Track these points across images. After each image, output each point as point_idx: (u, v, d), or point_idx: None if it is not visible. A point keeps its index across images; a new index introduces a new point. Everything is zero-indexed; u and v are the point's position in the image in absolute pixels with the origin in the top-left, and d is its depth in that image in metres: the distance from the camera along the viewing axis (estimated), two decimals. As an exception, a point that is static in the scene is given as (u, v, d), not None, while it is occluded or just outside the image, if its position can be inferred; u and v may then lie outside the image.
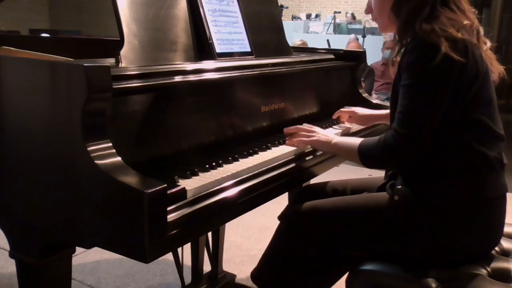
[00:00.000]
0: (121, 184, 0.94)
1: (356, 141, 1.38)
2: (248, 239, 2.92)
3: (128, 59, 1.25)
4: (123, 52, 1.24)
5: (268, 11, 1.89)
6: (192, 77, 1.31)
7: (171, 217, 0.99)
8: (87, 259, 2.55)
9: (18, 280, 1.24)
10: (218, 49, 1.54)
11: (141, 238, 0.93)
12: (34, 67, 1.09)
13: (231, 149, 1.40)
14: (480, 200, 1.28)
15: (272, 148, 1.47)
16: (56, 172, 1.06)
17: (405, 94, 1.25)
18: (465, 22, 1.26)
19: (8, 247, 1.23)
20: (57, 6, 11.91)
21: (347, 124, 1.83)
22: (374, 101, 2.15)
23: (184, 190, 1.06)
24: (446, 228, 1.28)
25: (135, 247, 0.95)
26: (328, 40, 6.75)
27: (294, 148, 1.49)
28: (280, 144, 1.51)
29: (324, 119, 1.86)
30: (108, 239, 1.01)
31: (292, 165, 1.43)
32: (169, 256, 1.59)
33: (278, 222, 1.57)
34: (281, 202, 1.71)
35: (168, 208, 1.00)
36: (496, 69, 1.35)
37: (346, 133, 1.76)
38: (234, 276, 2.20)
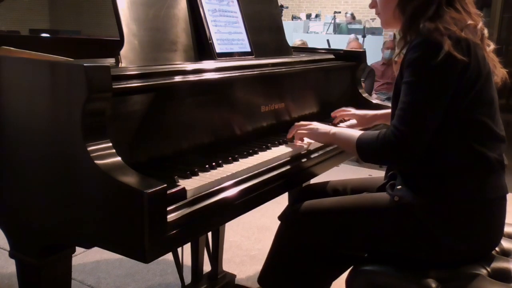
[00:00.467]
0: (121, 184, 0.94)
1: (356, 133, 1.38)
2: (248, 239, 2.92)
3: (128, 59, 1.25)
4: (123, 52, 1.24)
5: (268, 11, 1.89)
6: (192, 77, 1.31)
7: (171, 217, 0.99)
8: (87, 259, 2.54)
9: (18, 280, 1.24)
10: (218, 49, 1.54)
11: (141, 238, 0.93)
12: (34, 67, 1.09)
13: (231, 149, 1.40)
14: (480, 201, 1.28)
15: (272, 148, 1.47)
16: (56, 172, 1.06)
17: (406, 91, 1.25)
18: (469, 22, 1.27)
19: (8, 247, 1.23)
20: (57, 6, 11.91)
21: (348, 122, 1.83)
22: (374, 101, 2.15)
23: (184, 190, 1.06)
24: (446, 228, 1.28)
25: (135, 247, 0.95)
26: (328, 40, 6.75)
27: (294, 148, 1.49)
28: (280, 144, 1.52)
29: (324, 119, 1.86)
30: (108, 239, 1.01)
31: (292, 165, 1.43)
32: (169, 256, 1.59)
33: (278, 222, 1.57)
34: (281, 202, 1.71)
35: (168, 208, 1.00)
36: (499, 72, 1.35)
37: (351, 126, 1.76)
38: (234, 276, 2.20)
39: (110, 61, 1.23)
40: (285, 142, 1.53)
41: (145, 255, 0.94)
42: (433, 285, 1.24)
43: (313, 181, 1.73)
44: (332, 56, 2.11)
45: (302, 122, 1.55)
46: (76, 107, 0.99)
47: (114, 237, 0.99)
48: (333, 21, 9.05)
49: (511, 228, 1.51)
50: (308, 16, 10.24)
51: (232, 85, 1.47)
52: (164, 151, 1.24)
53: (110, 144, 1.02)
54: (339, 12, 9.36)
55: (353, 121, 1.82)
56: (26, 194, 1.14)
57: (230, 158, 1.31)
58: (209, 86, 1.39)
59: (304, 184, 1.79)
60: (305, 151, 1.52)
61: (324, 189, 1.69)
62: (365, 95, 2.16)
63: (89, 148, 0.98)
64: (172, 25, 1.44)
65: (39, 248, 1.15)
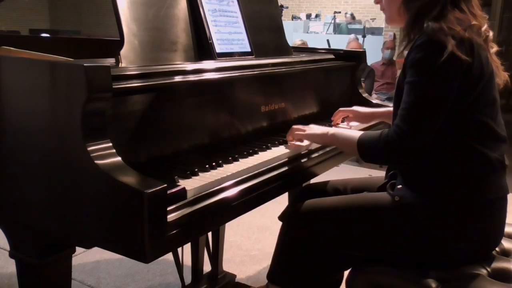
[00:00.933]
0: (121, 184, 0.94)
1: (356, 133, 1.38)
2: (248, 239, 2.92)
3: (128, 59, 1.25)
4: (123, 52, 1.24)
5: (268, 11, 1.89)
6: (192, 77, 1.31)
7: (171, 217, 0.99)
8: (87, 259, 2.54)
9: (18, 280, 1.24)
10: (218, 49, 1.54)
11: (141, 238, 0.93)
12: (34, 67, 1.09)
13: (231, 149, 1.40)
14: (481, 201, 1.28)
15: (272, 148, 1.47)
16: (56, 172, 1.06)
17: (409, 91, 1.25)
18: (473, 22, 1.27)
19: (8, 247, 1.23)
20: (57, 6, 11.91)
21: (346, 124, 1.83)
22: (374, 101, 2.15)
23: (184, 190, 1.06)
24: (446, 228, 1.28)
25: (135, 247, 0.95)
26: (328, 40, 6.76)
27: (294, 148, 1.49)
28: (280, 144, 1.51)
29: (324, 119, 1.86)
30: (108, 239, 1.01)
31: (292, 165, 1.43)
32: (169, 256, 1.59)
33: (278, 222, 1.57)
34: (281, 202, 1.71)
35: (168, 208, 0.99)
36: (502, 76, 1.35)
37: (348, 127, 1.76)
38: (234, 276, 2.20)
39: (110, 61, 1.23)
40: (285, 142, 1.53)
41: (145, 255, 0.94)
42: (433, 285, 1.24)
43: (313, 181, 1.73)
44: (332, 56, 2.11)
45: (299, 126, 1.53)
46: (76, 107, 0.99)
47: (114, 237, 0.99)
48: (333, 21, 9.05)
49: (511, 228, 1.51)
50: (308, 16, 10.24)
51: (232, 85, 1.47)
52: (164, 151, 1.24)
53: (110, 144, 1.02)
54: (339, 12, 9.36)
55: (352, 123, 1.81)
56: (26, 194, 1.14)
57: (230, 158, 1.31)
58: (209, 86, 1.39)
59: (304, 184, 1.79)
60: (306, 151, 1.51)
61: (324, 189, 1.69)
62: (365, 95, 2.16)
63: (89, 148, 0.98)
64: (172, 25, 1.44)
65: (39, 248, 1.15)
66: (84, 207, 1.02)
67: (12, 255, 1.22)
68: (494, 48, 1.34)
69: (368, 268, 1.35)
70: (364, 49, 5.86)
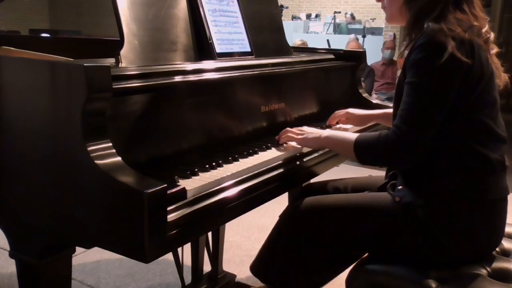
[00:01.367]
0: (121, 184, 0.94)
1: (352, 135, 1.36)
2: (248, 239, 2.91)
3: (128, 59, 1.25)
4: (123, 52, 1.24)
5: (268, 11, 1.89)
6: (192, 77, 1.31)
7: (171, 217, 0.99)
8: (87, 259, 2.54)
9: (18, 280, 1.24)
10: (218, 49, 1.54)
11: (141, 238, 0.93)
12: (34, 67, 1.09)
13: (231, 149, 1.40)
14: (481, 203, 1.28)
15: (272, 148, 1.47)
16: (56, 172, 1.06)
17: (409, 91, 1.25)
18: (474, 23, 1.27)
19: (8, 247, 1.23)
20: (57, 6, 11.91)
21: (341, 126, 1.81)
22: (374, 101, 2.15)
23: (184, 190, 1.06)
24: (447, 229, 1.27)
25: (135, 247, 0.95)
26: (328, 40, 6.76)
27: (295, 147, 1.48)
28: (280, 144, 1.51)
29: (324, 119, 1.86)
30: (108, 239, 1.01)
31: (292, 165, 1.43)
32: (169, 256, 1.59)
33: (278, 221, 1.57)
34: (281, 202, 1.71)
35: (168, 208, 0.99)
36: (502, 77, 1.35)
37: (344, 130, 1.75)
38: (234, 276, 2.20)
39: (110, 61, 1.23)
40: (285, 142, 1.52)
41: (145, 255, 0.94)
42: (433, 285, 1.24)
43: (313, 181, 1.73)
44: (332, 56, 2.11)
45: (292, 130, 1.51)
46: (76, 107, 0.99)
47: (114, 237, 0.99)
48: (333, 21, 9.05)
49: (511, 228, 1.51)
50: (308, 16, 10.24)
51: (232, 85, 1.47)
52: (164, 151, 1.24)
53: (110, 144, 1.02)
54: (339, 12, 9.36)
55: (347, 126, 1.80)
56: (26, 194, 1.14)
57: (230, 158, 1.31)
58: (209, 86, 1.39)
59: (304, 184, 1.79)
60: (306, 151, 1.51)
61: (324, 189, 1.69)
62: (365, 95, 2.16)
63: (89, 148, 0.98)
64: (172, 25, 1.44)
65: (39, 248, 1.15)
66: (84, 207, 1.02)
67: (12, 255, 1.22)
68: (494, 50, 1.34)
69: (368, 267, 1.35)
70: (364, 49, 5.86)
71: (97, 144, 1.00)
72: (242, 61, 1.57)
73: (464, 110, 1.25)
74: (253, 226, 3.06)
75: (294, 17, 10.32)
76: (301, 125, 1.55)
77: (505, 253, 1.40)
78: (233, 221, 1.26)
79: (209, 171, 1.21)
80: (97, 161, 0.97)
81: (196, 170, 1.18)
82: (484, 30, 1.29)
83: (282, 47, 1.93)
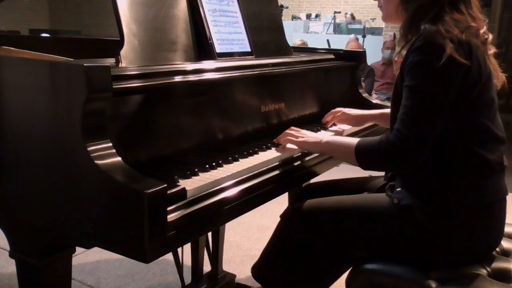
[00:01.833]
0: (121, 184, 0.94)
1: (352, 140, 1.35)
2: (248, 239, 2.92)
3: (128, 59, 1.25)
4: (123, 52, 1.24)
5: (268, 11, 1.89)
6: (192, 77, 1.31)
7: (171, 217, 0.99)
8: (87, 259, 2.55)
9: (18, 280, 1.24)
10: (218, 49, 1.54)
11: (141, 238, 0.93)
12: (34, 67, 1.09)
13: (231, 149, 1.40)
14: (480, 204, 1.27)
15: (272, 148, 1.47)
16: (56, 172, 1.06)
17: (408, 95, 1.24)
18: (471, 24, 1.26)
19: (8, 247, 1.23)
20: (57, 6, 11.92)
21: (338, 127, 1.80)
22: (374, 101, 2.15)
23: (184, 190, 1.06)
24: (445, 231, 1.27)
25: (135, 247, 0.95)
26: (328, 40, 6.76)
27: (294, 148, 1.48)
28: (280, 144, 1.51)
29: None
30: (108, 239, 1.01)
31: (292, 165, 1.43)
32: (169, 256, 1.59)
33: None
34: (281, 202, 1.71)
35: (168, 208, 0.99)
36: (500, 78, 1.34)
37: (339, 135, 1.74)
38: (234, 276, 2.20)
39: (110, 61, 1.23)
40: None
41: (145, 255, 0.94)
42: (433, 285, 1.24)
43: (313, 181, 1.73)
44: (332, 56, 2.11)
45: (291, 132, 1.50)
46: (76, 107, 0.99)
47: (114, 237, 0.99)
48: (333, 21, 9.05)
49: (511, 228, 1.51)
50: (308, 16, 10.24)
51: (232, 85, 1.47)
52: (164, 151, 1.24)
53: (110, 144, 1.02)
54: (339, 12, 9.36)
55: (345, 127, 1.80)
56: (26, 194, 1.14)
57: (230, 158, 1.31)
58: (209, 86, 1.39)
59: (304, 184, 1.79)
60: (305, 151, 1.51)
61: (324, 189, 1.69)
62: (365, 95, 2.16)
63: (89, 148, 0.98)
64: (172, 25, 1.44)
65: (39, 248, 1.15)
66: (84, 207, 1.02)
67: (12, 255, 1.22)
68: (492, 50, 1.33)
69: (368, 268, 1.35)
70: (364, 49, 5.86)
71: (97, 144, 1.00)
72: (242, 61, 1.57)
73: (462, 111, 1.25)
74: (253, 226, 3.06)
75: (294, 17, 10.32)
76: (300, 126, 1.55)
77: (505, 253, 1.40)
78: (233, 221, 1.26)
79: (209, 171, 1.21)
80: (97, 161, 0.97)
81: (196, 170, 1.18)
82: (482, 31, 1.29)
83: (282, 47, 1.93)
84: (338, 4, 10.48)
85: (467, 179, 1.27)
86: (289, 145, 1.49)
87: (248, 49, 1.68)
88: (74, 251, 1.21)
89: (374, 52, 6.16)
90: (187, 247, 1.92)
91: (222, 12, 1.61)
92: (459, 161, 1.27)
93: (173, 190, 1.03)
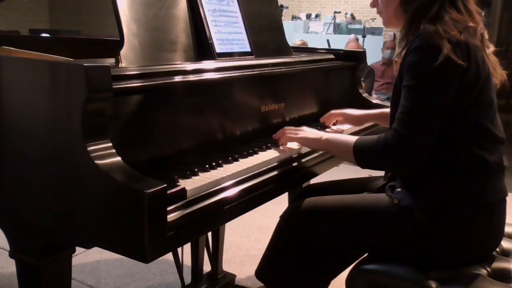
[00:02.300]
0: (121, 184, 0.94)
1: (351, 138, 1.35)
2: (248, 239, 2.92)
3: (128, 59, 1.25)
4: (123, 52, 1.24)
5: (268, 11, 1.89)
6: (192, 77, 1.31)
7: (171, 217, 0.99)
8: (87, 259, 2.55)
9: (18, 280, 1.24)
10: (218, 49, 1.54)
11: (141, 238, 0.93)
12: (34, 67, 1.09)
13: (231, 149, 1.40)
14: (479, 205, 1.27)
15: (272, 148, 1.47)
16: (56, 172, 1.06)
17: (406, 95, 1.24)
18: (470, 24, 1.26)
19: (8, 247, 1.23)
20: (57, 6, 11.91)
21: (338, 127, 1.80)
22: (374, 101, 2.15)
23: (184, 190, 1.06)
24: (445, 232, 1.27)
25: (135, 247, 0.95)
26: (328, 40, 6.75)
27: (294, 148, 1.48)
28: (280, 144, 1.51)
29: (324, 119, 1.86)
30: (108, 239, 1.01)
31: (292, 165, 1.43)
32: (169, 256, 1.59)
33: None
34: (281, 202, 1.71)
35: (168, 208, 1.00)
36: (499, 74, 1.34)
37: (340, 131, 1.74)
38: (234, 276, 2.20)
39: (110, 61, 1.23)
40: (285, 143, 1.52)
41: (145, 255, 0.94)
42: (433, 285, 1.24)
43: (313, 181, 1.73)
44: (332, 56, 2.11)
45: (290, 127, 1.51)
46: (76, 107, 0.99)
47: (114, 237, 0.99)
48: (333, 21, 9.04)
49: (511, 228, 1.51)
50: (308, 16, 10.23)
51: (232, 85, 1.47)
52: (164, 151, 1.24)
53: (110, 144, 1.02)
54: (339, 12, 9.35)
55: (344, 127, 1.79)
56: (26, 194, 1.14)
57: (230, 158, 1.31)
58: (209, 86, 1.39)
59: (304, 184, 1.79)
60: (305, 151, 1.51)
61: (324, 189, 1.69)
62: (365, 95, 2.16)
63: (89, 148, 0.98)
64: (172, 25, 1.44)
65: (39, 248, 1.15)
66: (84, 207, 1.02)
67: (12, 255, 1.22)
68: (491, 48, 1.33)
69: (368, 267, 1.35)
70: (364, 49, 5.86)
71: (97, 144, 1.00)
72: (242, 61, 1.57)
73: (462, 112, 1.25)
74: (253, 226, 3.06)
75: (294, 17, 10.31)
76: (300, 125, 1.55)
77: (505, 253, 1.40)
78: (233, 221, 1.26)
79: (209, 171, 1.21)
80: (97, 161, 0.97)
81: (196, 170, 1.18)
82: (478, 28, 1.29)
83: (282, 47, 1.93)
84: (338, 4, 10.47)
85: (466, 181, 1.27)
86: (289, 144, 1.49)
87: (248, 49, 1.68)
88: (74, 251, 1.21)
89: (374, 52, 6.16)
90: (187, 247, 1.92)
91: (222, 12, 1.61)
92: (458, 162, 1.27)
93: (173, 190, 1.03)
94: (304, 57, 1.93)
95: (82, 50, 1.99)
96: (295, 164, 1.44)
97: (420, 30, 1.24)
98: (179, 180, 1.11)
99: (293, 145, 1.51)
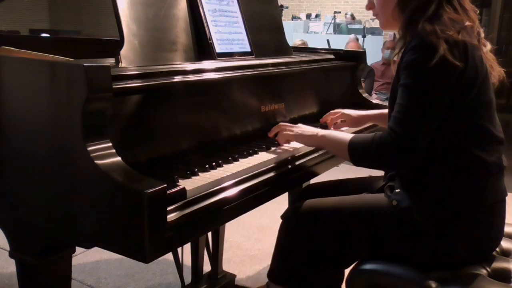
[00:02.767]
0: (121, 184, 0.94)
1: (347, 135, 1.35)
2: (248, 239, 2.92)
3: (128, 59, 1.25)
4: (123, 52, 1.24)
5: (268, 11, 1.89)
6: (192, 77, 1.31)
7: (171, 217, 0.99)
8: (87, 259, 2.55)
9: (18, 280, 1.24)
10: (218, 49, 1.54)
11: (141, 238, 0.93)
12: (34, 67, 1.09)
13: (231, 149, 1.40)
14: (479, 206, 1.27)
15: (272, 148, 1.47)
16: (56, 172, 1.06)
17: (402, 93, 1.24)
18: (467, 23, 1.26)
19: (8, 247, 1.23)
20: (57, 6, 11.92)
21: (338, 127, 1.81)
22: (374, 101, 2.15)
23: (184, 190, 1.06)
24: (445, 233, 1.27)
25: (135, 247, 0.95)
26: (328, 40, 6.75)
27: (294, 148, 1.48)
28: (276, 143, 1.51)
29: (324, 119, 1.86)
30: (108, 239, 1.01)
31: (292, 165, 1.43)
32: (169, 256, 1.59)
33: (278, 222, 1.57)
34: (281, 202, 1.71)
35: (168, 208, 0.99)
36: (497, 72, 1.34)
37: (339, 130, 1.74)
38: (234, 276, 2.20)
39: (110, 61, 1.23)
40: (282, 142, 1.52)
41: (145, 255, 0.94)
42: (433, 285, 1.24)
43: (313, 181, 1.73)
44: (332, 56, 2.11)
45: (286, 123, 1.50)
46: (76, 107, 0.99)
47: (114, 237, 0.99)
48: (333, 21, 9.05)
49: (511, 228, 1.51)
50: (308, 16, 10.23)
51: (232, 85, 1.47)
52: (164, 151, 1.24)
53: (110, 144, 1.02)
54: (339, 12, 9.35)
55: (344, 128, 1.79)
56: (26, 194, 1.14)
57: (230, 158, 1.31)
58: (209, 86, 1.39)
59: (304, 184, 1.79)
60: (305, 151, 1.51)
61: (324, 189, 1.69)
62: (365, 95, 2.16)
63: (89, 148, 0.98)
64: (172, 25, 1.44)
65: (39, 248, 1.15)
66: (84, 207, 1.02)
67: (12, 255, 1.22)
68: (488, 46, 1.33)
69: (368, 268, 1.35)
70: (364, 49, 5.86)
71: (97, 144, 1.00)
72: (242, 61, 1.57)
73: (460, 113, 1.24)
74: (253, 226, 3.06)
75: (294, 17, 10.31)
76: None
77: (505, 253, 1.40)
78: (233, 221, 1.26)
79: (209, 171, 1.21)
80: (97, 161, 0.97)
81: (196, 170, 1.18)
82: (475, 26, 1.28)
83: (282, 47, 1.93)
84: (338, 4, 10.47)
85: (466, 181, 1.27)
86: (285, 145, 1.49)
87: (248, 49, 1.68)
88: (74, 251, 1.21)
89: (374, 52, 6.16)
90: (187, 247, 1.92)
91: (222, 12, 1.61)
92: (458, 163, 1.26)
93: (173, 190, 1.03)
94: (304, 57, 1.93)
95: (82, 50, 1.99)
96: (295, 164, 1.44)
97: (418, 29, 1.24)
98: (179, 180, 1.11)
99: (293, 145, 1.51)
